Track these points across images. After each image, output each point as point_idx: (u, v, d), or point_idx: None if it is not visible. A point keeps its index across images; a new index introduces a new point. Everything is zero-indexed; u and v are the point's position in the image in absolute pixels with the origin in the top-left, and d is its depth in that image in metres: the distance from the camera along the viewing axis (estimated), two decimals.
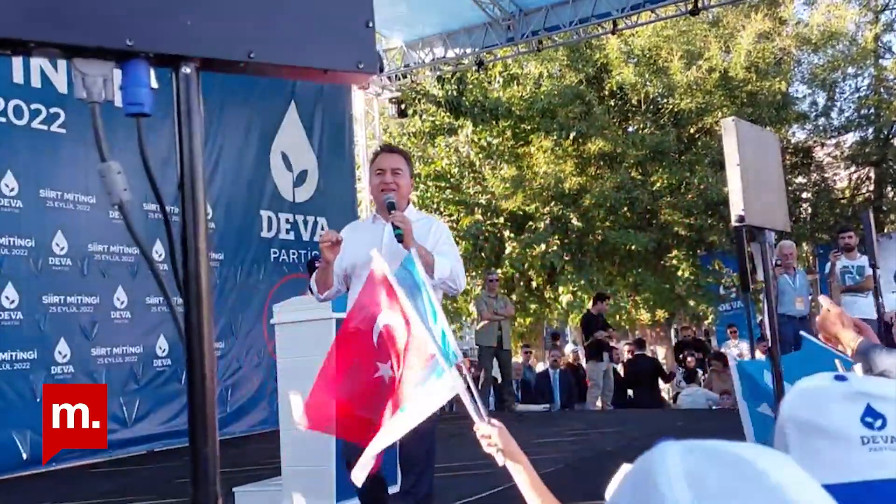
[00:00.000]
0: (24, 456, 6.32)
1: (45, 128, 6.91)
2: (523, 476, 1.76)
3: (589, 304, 11.92)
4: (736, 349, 12.36)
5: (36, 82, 6.96)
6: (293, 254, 9.44)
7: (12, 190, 6.68)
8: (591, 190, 13.69)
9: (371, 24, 0.95)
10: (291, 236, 9.54)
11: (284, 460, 4.51)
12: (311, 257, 6.17)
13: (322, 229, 9.93)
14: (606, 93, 14.62)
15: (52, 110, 6.99)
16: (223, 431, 8.07)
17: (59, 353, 6.86)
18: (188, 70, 0.87)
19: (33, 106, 6.92)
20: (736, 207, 2.50)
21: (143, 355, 7.62)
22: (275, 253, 9.30)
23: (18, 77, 6.86)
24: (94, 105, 0.83)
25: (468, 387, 2.08)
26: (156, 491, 5.49)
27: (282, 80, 9.64)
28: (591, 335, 10.66)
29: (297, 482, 4.40)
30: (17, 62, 6.84)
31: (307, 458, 4.40)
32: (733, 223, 2.53)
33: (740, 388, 3.45)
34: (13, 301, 6.57)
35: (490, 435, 1.86)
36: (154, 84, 0.88)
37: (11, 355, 6.52)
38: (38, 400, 6.56)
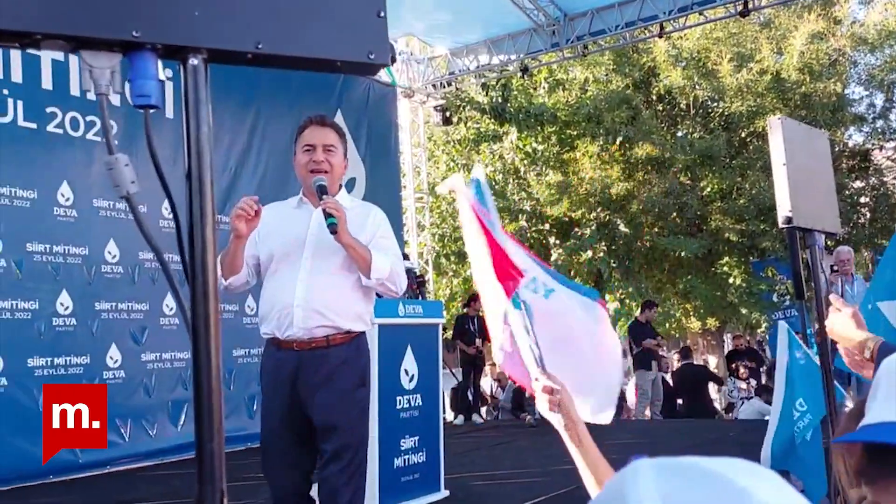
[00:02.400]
0: (80, 458, 6.47)
1: (100, 139, 7.08)
2: (580, 450, 1.50)
3: (637, 312, 11.75)
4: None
5: (92, 95, 7.13)
6: None
7: (67, 200, 6.85)
8: (638, 195, 13.52)
9: (382, 14, 0.94)
10: None
11: None
12: None
13: None
14: (654, 97, 14.43)
15: (88, 118, 7.15)
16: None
17: (111, 358, 7.01)
18: (196, 61, 0.87)
19: (88, 118, 7.10)
20: (783, 208, 2.42)
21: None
22: None
23: (75, 89, 7.05)
24: (102, 97, 0.83)
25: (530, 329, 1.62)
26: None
27: (329, 88, 9.81)
28: (639, 343, 10.50)
29: None
30: (75, 75, 7.03)
31: None
32: (780, 224, 2.46)
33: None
34: (67, 307, 6.74)
35: (555, 391, 1.51)
36: (162, 76, 0.88)
37: (66, 360, 6.68)
38: None
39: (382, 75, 10.99)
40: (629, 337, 11.01)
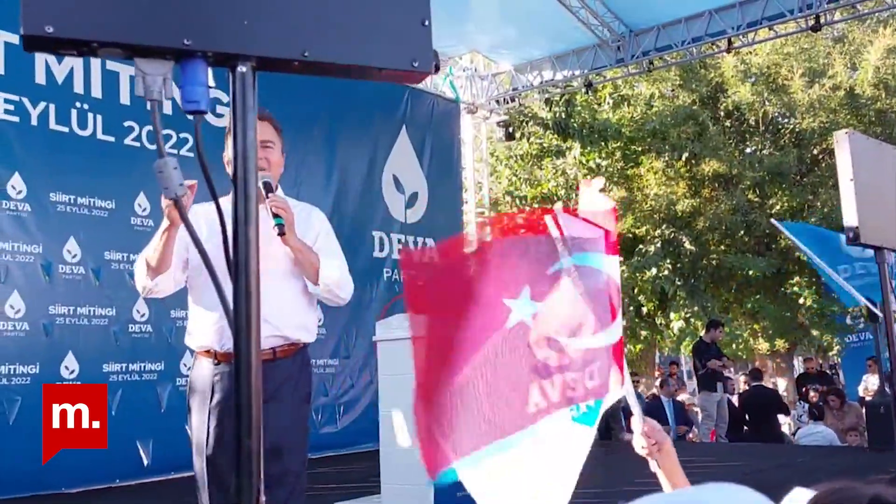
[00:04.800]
0: (145, 462, 6.65)
1: (175, 151, 7.30)
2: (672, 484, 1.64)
3: (702, 332, 11.50)
4: (862, 384, 11.60)
5: (168, 109, 7.40)
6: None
7: (144, 210, 7.09)
8: (704, 212, 13.26)
9: (427, 23, 0.95)
10: None
11: (384, 478, 4.55)
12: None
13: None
14: (722, 113, 14.17)
15: (182, 135, 7.39)
16: (335, 449, 8.27)
17: (184, 364, 7.21)
18: (244, 69, 0.90)
19: (165, 132, 7.35)
20: (850, 224, 2.35)
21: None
22: (387, 272, 9.47)
23: (165, 108, 7.33)
24: (154, 103, 0.87)
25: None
26: None
27: (395, 104, 9.96)
28: (704, 364, 10.26)
29: (397, 500, 4.43)
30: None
31: (406, 477, 4.43)
32: (846, 241, 2.39)
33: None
34: (144, 315, 6.96)
35: (655, 437, 1.70)
36: (211, 83, 0.92)
37: (141, 366, 6.89)
38: (163, 410, 6.92)
39: (446, 91, 11.09)
40: (693, 357, 10.78)
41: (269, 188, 2.52)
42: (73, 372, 6.51)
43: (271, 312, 2.46)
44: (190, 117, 0.89)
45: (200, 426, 2.49)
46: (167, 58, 0.86)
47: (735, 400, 11.71)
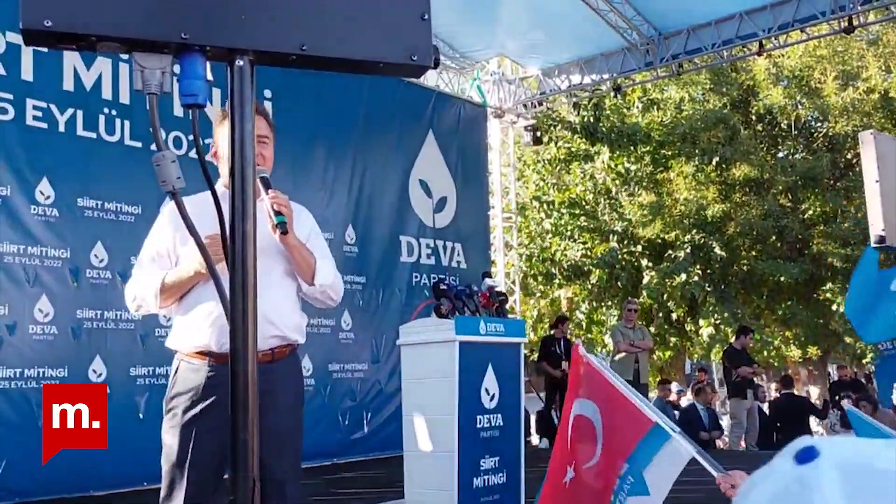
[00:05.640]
0: None
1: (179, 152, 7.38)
2: None
3: (732, 338, 11.35)
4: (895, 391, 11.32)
5: (179, 111, 7.47)
6: (433, 278, 9.60)
7: None
8: (735, 217, 13.10)
9: (427, 17, 0.94)
10: (432, 261, 9.70)
11: (407, 483, 4.53)
12: (437, 279, 6.25)
13: (458, 255, 10.05)
14: (753, 116, 14.02)
15: (208, 141, 7.46)
16: (363, 454, 8.28)
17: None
18: (242, 63, 0.90)
19: (191, 137, 7.43)
20: (875, 227, 2.28)
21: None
22: (416, 277, 9.47)
23: (178, 111, 7.38)
24: (152, 96, 0.87)
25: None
26: None
27: (421, 109, 9.97)
28: (734, 371, 10.12)
29: None
30: (176, 96, 7.36)
31: (429, 482, 4.41)
32: (872, 244, 2.32)
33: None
34: (169, 319, 7.00)
35: (732, 482, 1.90)
36: (209, 76, 0.91)
37: (166, 370, 6.90)
38: None
39: (473, 96, 11.08)
40: (724, 364, 10.63)
41: (267, 184, 2.42)
42: (100, 375, 6.57)
43: (273, 312, 2.44)
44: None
45: (185, 429, 2.40)
46: (165, 52, 0.86)
47: (766, 407, 11.52)
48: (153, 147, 6.01)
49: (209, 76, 0.90)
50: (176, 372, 2.48)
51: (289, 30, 0.89)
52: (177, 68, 0.91)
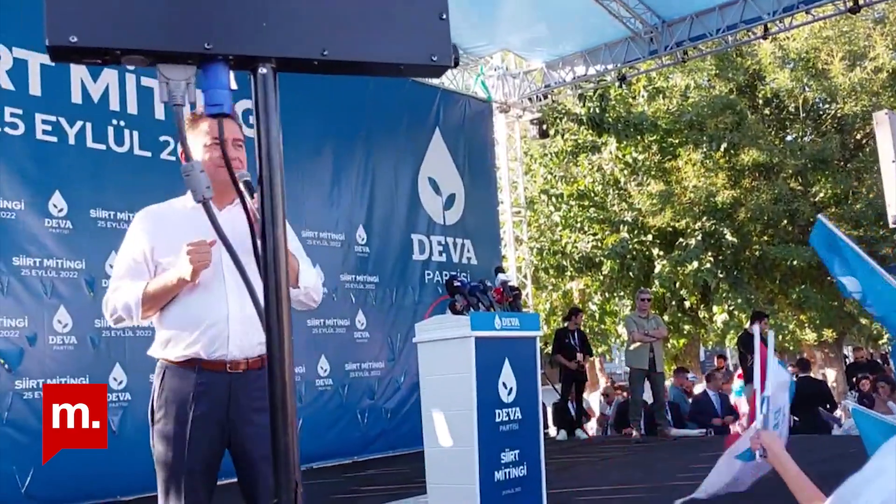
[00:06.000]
0: None
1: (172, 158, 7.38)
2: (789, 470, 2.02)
3: (746, 324, 11.31)
4: None
5: (160, 114, 7.49)
6: (445, 275, 9.61)
7: None
8: (746, 203, 13.05)
9: (445, 17, 0.95)
10: (443, 258, 9.73)
11: (429, 478, 4.55)
12: (450, 276, 6.27)
13: (468, 251, 10.07)
14: (760, 101, 13.95)
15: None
16: (382, 451, 8.32)
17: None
18: (265, 70, 0.91)
19: (163, 137, 7.42)
20: (893, 208, 2.28)
21: (306, 374, 7.95)
22: (428, 275, 9.51)
23: (160, 113, 7.42)
24: (178, 108, 0.89)
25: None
26: None
27: (427, 107, 9.98)
28: (750, 356, 10.08)
29: (443, 499, 4.43)
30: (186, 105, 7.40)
31: (451, 475, 4.43)
32: (890, 224, 2.32)
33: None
34: None
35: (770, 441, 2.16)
36: (233, 85, 0.93)
37: None
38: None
39: (478, 91, 11.08)
40: (739, 350, 10.61)
41: (251, 188, 2.33)
42: (121, 383, 6.63)
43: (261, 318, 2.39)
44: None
45: (177, 438, 2.37)
46: (189, 63, 0.87)
47: None
48: (162, 156, 6.08)
49: (233, 85, 0.92)
50: (162, 380, 2.44)
51: (310, 35, 0.90)
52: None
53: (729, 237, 13.00)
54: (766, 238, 13.34)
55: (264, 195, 0.88)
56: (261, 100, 0.92)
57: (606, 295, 14.31)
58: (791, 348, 16.09)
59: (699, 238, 12.99)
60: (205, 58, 0.87)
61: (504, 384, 4.61)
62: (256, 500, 2.44)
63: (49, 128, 6.53)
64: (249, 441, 2.40)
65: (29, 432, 5.97)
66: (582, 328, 10.27)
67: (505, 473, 4.56)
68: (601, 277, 13.88)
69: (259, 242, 0.88)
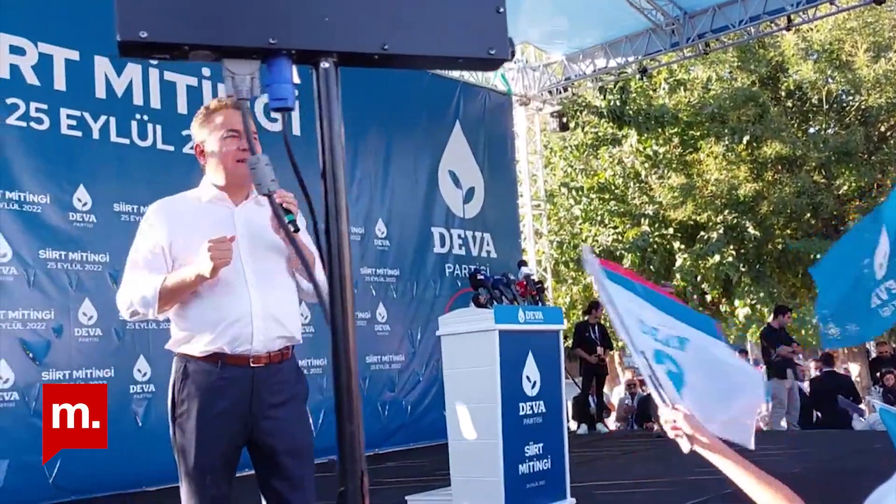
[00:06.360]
0: None
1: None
2: (721, 458, 1.66)
3: (769, 318, 11.24)
4: None
5: (183, 108, 7.52)
6: (465, 269, 9.64)
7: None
8: (768, 196, 12.96)
9: (502, 10, 0.96)
10: (463, 252, 9.75)
11: (453, 471, 4.57)
12: (473, 270, 6.27)
13: (488, 245, 10.07)
14: (783, 93, 13.83)
15: (186, 133, 7.51)
16: (403, 444, 8.36)
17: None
18: (327, 65, 0.92)
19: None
20: None
21: (327, 367, 8.02)
22: (449, 268, 9.53)
23: (182, 108, 7.46)
24: (244, 102, 0.90)
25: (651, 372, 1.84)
26: (331, 498, 5.73)
27: (447, 100, 9.98)
28: (773, 350, 10.03)
29: (467, 491, 4.45)
30: (207, 98, 7.45)
31: (476, 468, 4.44)
32: None
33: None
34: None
35: (674, 420, 1.74)
36: (296, 80, 0.94)
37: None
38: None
39: (498, 84, 11.06)
40: (762, 344, 10.54)
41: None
42: (145, 375, 6.70)
43: (280, 312, 2.43)
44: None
45: (200, 432, 2.34)
46: (254, 57, 0.89)
47: (806, 387, 11.41)
48: (185, 150, 6.12)
49: (295, 79, 0.93)
50: (184, 374, 2.39)
51: (371, 30, 0.91)
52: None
53: (751, 230, 12.91)
54: (788, 231, 13.25)
55: (328, 189, 0.90)
56: (323, 94, 0.93)
57: None
58: (814, 343, 15.97)
59: (721, 231, 12.91)
60: (269, 52, 0.89)
61: (528, 377, 4.62)
62: (276, 493, 2.42)
63: (74, 122, 6.59)
64: (271, 435, 2.39)
65: None
66: (602, 322, 10.25)
67: (529, 466, 4.57)
68: None
69: (323, 235, 0.89)
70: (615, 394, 13.52)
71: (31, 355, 6.08)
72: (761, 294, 12.84)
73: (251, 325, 2.36)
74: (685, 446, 1.72)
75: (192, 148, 7.71)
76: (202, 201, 2.49)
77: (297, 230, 2.26)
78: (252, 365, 2.37)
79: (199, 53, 0.86)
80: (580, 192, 13.89)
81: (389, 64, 0.93)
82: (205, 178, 2.54)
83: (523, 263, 5.43)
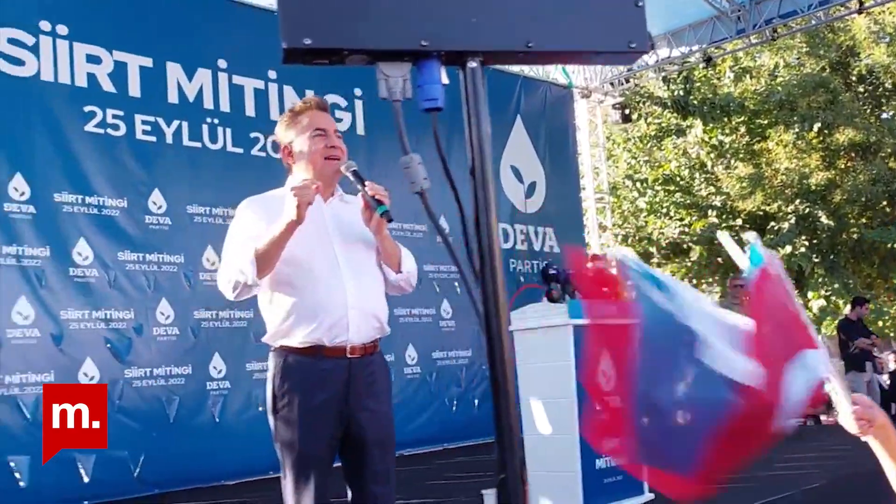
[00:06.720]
0: None
1: (263, 154, 7.51)
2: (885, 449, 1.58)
3: (845, 310, 10.91)
4: None
5: (251, 111, 7.65)
6: (527, 264, 9.62)
7: None
8: (841, 184, 12.59)
9: (641, 4, 0.97)
10: (525, 247, 9.73)
11: (530, 465, 4.56)
12: (546, 265, 6.24)
13: (550, 240, 10.02)
14: (854, 78, 13.41)
15: (252, 135, 7.61)
16: (472, 438, 8.39)
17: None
18: (474, 64, 0.95)
19: (254, 134, 7.59)
20: None
21: (395, 363, 8.07)
22: (512, 263, 9.52)
23: (275, 115, 7.60)
24: (397, 103, 0.93)
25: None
26: (407, 492, 5.79)
27: (508, 95, 9.95)
28: (851, 343, 9.74)
29: (544, 486, 4.44)
30: (274, 102, 7.60)
31: (552, 463, 4.44)
32: None
33: None
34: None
35: (866, 415, 1.61)
36: (445, 80, 0.96)
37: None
38: None
39: (559, 77, 10.98)
40: (839, 337, 10.25)
41: (360, 176, 2.41)
42: (220, 371, 6.87)
43: (374, 304, 2.48)
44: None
45: (303, 424, 2.38)
46: (406, 60, 0.91)
47: (885, 379, 11.06)
48: (253, 152, 6.23)
49: (444, 80, 0.95)
50: (283, 367, 2.42)
51: (516, 28, 0.93)
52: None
53: (824, 220, 12.56)
54: (863, 220, 12.84)
55: (477, 184, 0.92)
56: (470, 93, 0.96)
57: (693, 282, 14.02)
58: (892, 334, 15.45)
59: (792, 222, 12.59)
60: (420, 54, 0.92)
61: (604, 372, 4.57)
62: (363, 482, 2.44)
63: (148, 128, 6.78)
64: (363, 427, 2.43)
65: (139, 419, 6.26)
66: None
67: (606, 461, 4.54)
68: (688, 264, 13.61)
69: (474, 230, 0.92)
70: None
71: (114, 353, 6.29)
72: (835, 285, 12.49)
73: (347, 317, 2.40)
74: (862, 431, 1.60)
75: (260, 150, 7.87)
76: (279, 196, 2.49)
77: (391, 220, 2.32)
78: (348, 356, 2.41)
79: (356, 58, 0.89)
80: (644, 185, 13.71)
81: (533, 61, 0.95)
82: (290, 177, 2.58)
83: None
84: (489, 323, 0.88)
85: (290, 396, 2.40)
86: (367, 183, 2.37)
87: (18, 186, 5.99)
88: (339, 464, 2.51)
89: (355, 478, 2.47)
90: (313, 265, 2.39)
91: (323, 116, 2.54)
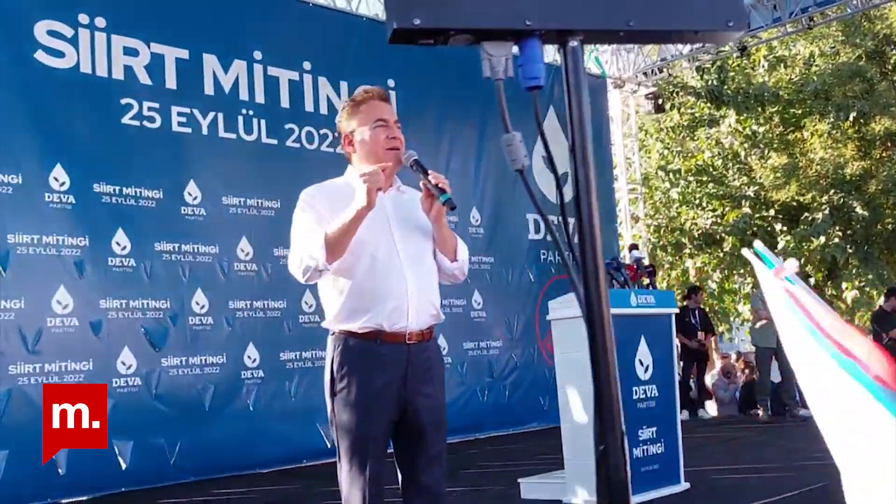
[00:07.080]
0: (328, 444, 7.00)
1: (332, 150, 7.58)
2: None
3: (879, 301, 10.74)
4: None
5: (324, 110, 7.71)
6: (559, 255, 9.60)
7: None
8: (877, 175, 12.37)
9: None
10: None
11: (567, 454, 4.57)
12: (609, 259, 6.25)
13: None
14: (890, 67, 13.14)
15: (322, 131, 7.67)
16: (504, 428, 8.41)
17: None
18: (574, 43, 0.95)
19: (322, 131, 7.65)
20: None
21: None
22: (543, 254, 9.51)
23: (309, 106, 7.64)
24: (500, 82, 0.94)
25: None
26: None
27: (542, 86, 9.85)
28: (885, 334, 9.60)
29: (581, 475, 4.44)
30: (308, 93, 7.64)
31: (590, 452, 4.40)
32: None
33: None
34: (311, 306, 7.29)
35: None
36: (546, 59, 0.96)
37: (313, 353, 7.17)
38: None
39: (591, 67, 10.90)
40: (873, 328, 10.10)
41: (422, 165, 2.48)
42: (254, 361, 6.94)
43: (432, 291, 2.53)
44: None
45: (362, 406, 2.40)
46: (508, 39, 0.92)
47: None
48: (287, 143, 6.26)
49: (545, 59, 0.96)
50: (343, 351, 2.45)
51: (617, 7, 0.93)
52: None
53: (859, 210, 12.37)
54: None
55: (577, 164, 0.93)
56: (571, 72, 0.96)
57: (725, 272, 13.89)
58: None
59: (826, 212, 12.41)
60: (523, 34, 0.92)
61: (640, 361, 4.58)
62: (417, 467, 2.46)
63: (184, 119, 6.83)
64: (418, 412, 2.45)
65: (176, 407, 6.35)
66: (702, 306, 10.01)
67: (643, 450, 4.54)
68: (721, 254, 13.48)
69: (575, 210, 0.92)
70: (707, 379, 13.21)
71: (151, 342, 6.37)
72: (870, 276, 12.31)
73: (407, 303, 2.44)
74: None
75: (294, 140, 7.87)
76: (349, 184, 2.51)
77: (454, 208, 2.38)
78: (407, 342, 2.45)
79: (460, 38, 0.90)
80: (677, 175, 13.59)
81: (632, 40, 0.95)
82: (351, 167, 2.62)
83: (635, 247, 5.39)
84: (590, 302, 0.89)
85: (350, 378, 2.44)
86: (429, 172, 2.44)
87: (59, 177, 6.08)
88: (391, 449, 2.52)
89: (409, 462, 2.48)
90: (374, 253, 2.43)
91: (384, 107, 2.58)
